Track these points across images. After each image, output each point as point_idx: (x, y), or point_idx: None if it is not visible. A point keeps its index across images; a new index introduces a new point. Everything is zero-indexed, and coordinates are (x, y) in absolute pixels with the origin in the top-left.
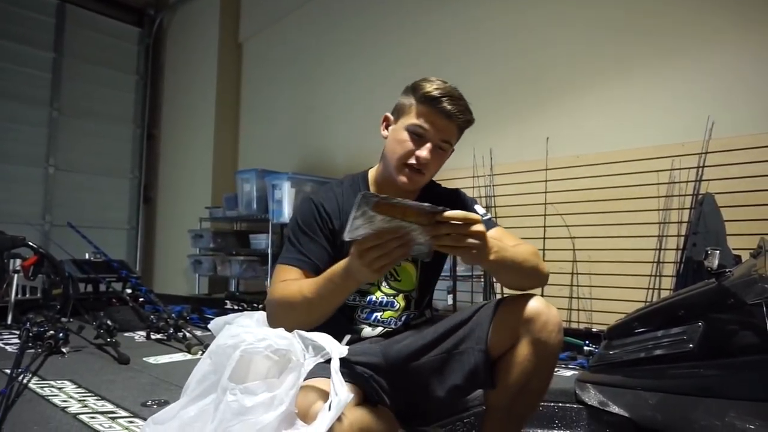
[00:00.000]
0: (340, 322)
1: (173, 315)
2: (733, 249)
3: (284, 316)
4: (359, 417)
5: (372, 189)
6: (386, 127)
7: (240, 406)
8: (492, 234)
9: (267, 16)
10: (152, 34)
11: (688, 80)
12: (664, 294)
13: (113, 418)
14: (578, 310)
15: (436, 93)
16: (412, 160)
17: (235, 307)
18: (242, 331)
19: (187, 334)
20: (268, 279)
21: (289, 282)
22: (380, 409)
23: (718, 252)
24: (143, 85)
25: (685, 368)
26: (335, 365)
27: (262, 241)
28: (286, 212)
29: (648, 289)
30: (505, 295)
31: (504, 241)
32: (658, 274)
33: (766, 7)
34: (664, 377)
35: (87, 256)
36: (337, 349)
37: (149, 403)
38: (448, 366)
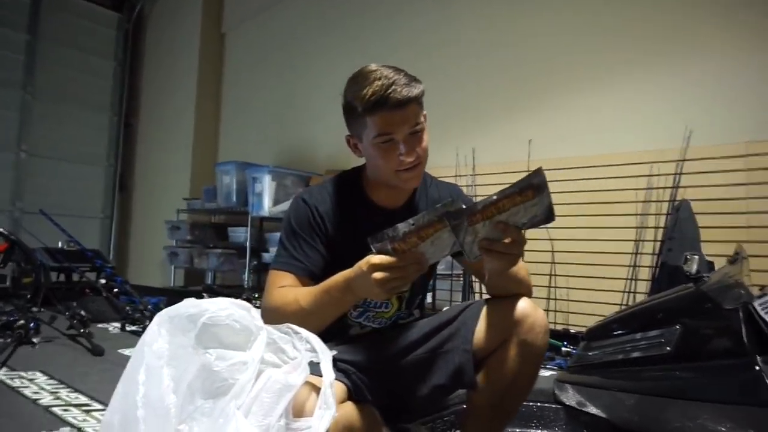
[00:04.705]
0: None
1: (149, 306)
2: (707, 255)
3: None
4: (344, 414)
5: (369, 193)
6: (356, 148)
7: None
8: None
9: (251, 7)
10: (132, 20)
11: (668, 88)
12: (640, 297)
13: (87, 411)
14: (555, 311)
15: (375, 95)
16: (402, 166)
17: None
18: (202, 302)
19: None
20: (246, 273)
21: (285, 290)
22: (365, 406)
23: (697, 257)
24: (121, 71)
25: (662, 370)
26: (326, 366)
27: (241, 234)
28: (266, 205)
29: (624, 292)
30: (485, 296)
31: None
32: (634, 277)
33: (746, 19)
34: (642, 379)
35: (60, 245)
36: (327, 352)
37: None
38: (433, 365)
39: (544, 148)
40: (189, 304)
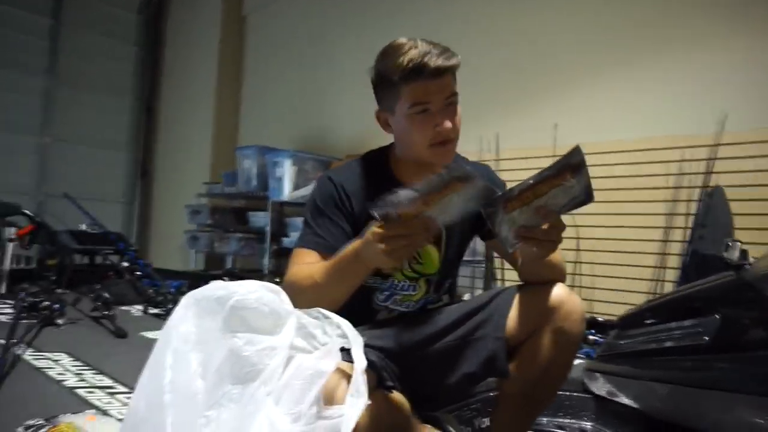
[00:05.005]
0: (357, 305)
1: (171, 290)
2: (740, 243)
3: (296, 300)
4: (375, 403)
5: (396, 172)
6: (386, 124)
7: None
8: None
9: None
10: (153, 4)
11: (701, 72)
12: (668, 286)
13: (112, 394)
14: (580, 299)
15: (412, 62)
16: (437, 138)
17: None
18: (231, 284)
19: None
20: (266, 257)
21: (304, 266)
22: (395, 395)
23: (738, 244)
24: (143, 56)
25: (699, 360)
26: (358, 352)
27: (261, 218)
28: (286, 190)
29: (652, 280)
30: (509, 283)
31: None
32: (662, 265)
33: None
34: (678, 369)
35: (84, 228)
36: (358, 338)
37: None
38: (463, 353)
39: (570, 133)
40: (216, 287)
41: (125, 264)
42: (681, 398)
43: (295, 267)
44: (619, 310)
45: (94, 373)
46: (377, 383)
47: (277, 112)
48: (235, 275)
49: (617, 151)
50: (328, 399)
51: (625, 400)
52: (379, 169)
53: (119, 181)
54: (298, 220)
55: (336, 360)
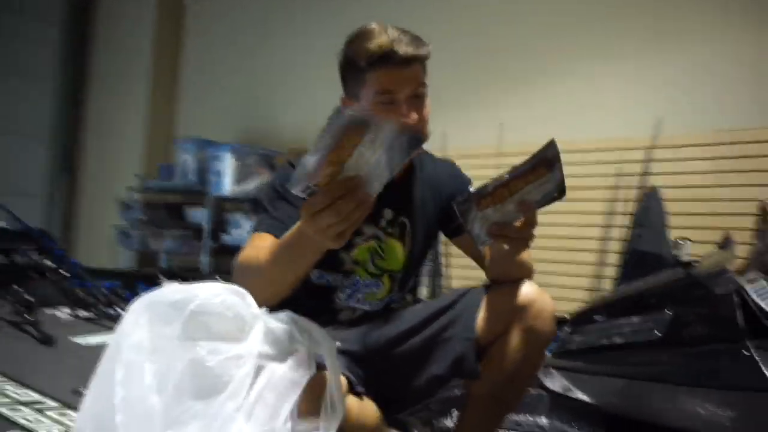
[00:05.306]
0: (317, 304)
1: (104, 291)
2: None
3: (241, 283)
4: (348, 409)
5: None
6: None
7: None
8: None
9: None
10: None
11: (639, 76)
12: (608, 283)
13: (40, 410)
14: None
15: (381, 49)
16: None
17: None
18: (189, 287)
19: (121, 312)
20: (205, 256)
21: (252, 248)
22: (366, 400)
23: (688, 243)
24: (67, 38)
25: (652, 355)
26: (331, 360)
27: (199, 214)
28: (227, 185)
29: (592, 277)
30: (456, 281)
31: None
32: (602, 263)
33: (714, 10)
34: (631, 364)
35: (3, 225)
36: (330, 343)
37: (83, 390)
38: (431, 354)
39: (515, 132)
40: (172, 290)
41: (48, 263)
42: (635, 392)
43: (246, 249)
44: (562, 307)
45: (17, 387)
46: (348, 388)
47: (219, 103)
48: (174, 274)
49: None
50: (302, 412)
51: (580, 396)
52: None
53: (39, 174)
54: (240, 217)
55: (311, 369)
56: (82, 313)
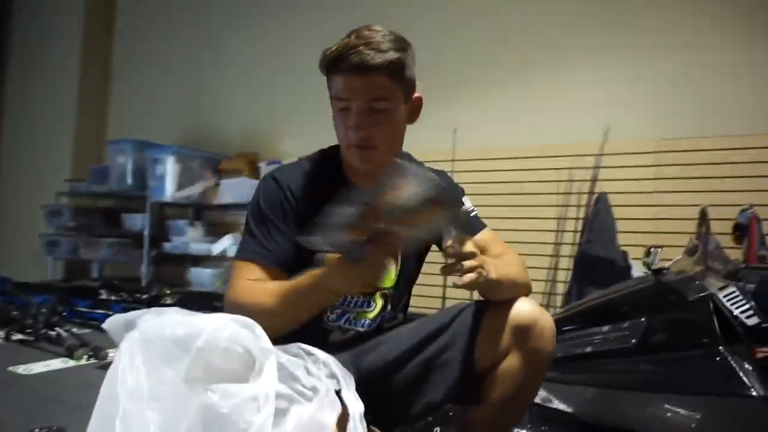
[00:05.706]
0: (306, 326)
1: (43, 309)
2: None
3: None
4: None
5: (347, 171)
6: None
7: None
8: (480, 239)
9: None
10: None
11: (589, 84)
12: (561, 286)
13: None
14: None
15: (335, 53)
16: (352, 140)
17: (113, 298)
18: (192, 319)
19: (63, 333)
20: (144, 264)
21: (252, 285)
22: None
23: (659, 250)
24: None
25: (628, 363)
26: (351, 395)
27: (138, 221)
28: (169, 190)
29: (545, 281)
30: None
31: (492, 249)
32: (555, 267)
33: (662, 21)
34: (607, 372)
35: None
36: (349, 377)
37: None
38: (428, 379)
39: (468, 137)
40: (173, 322)
41: None
42: (612, 401)
43: (239, 284)
44: None
45: None
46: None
47: (157, 102)
48: (113, 286)
49: (512, 158)
50: None
51: (558, 406)
52: (330, 167)
53: None
54: (182, 223)
55: (336, 408)
56: (16, 336)
